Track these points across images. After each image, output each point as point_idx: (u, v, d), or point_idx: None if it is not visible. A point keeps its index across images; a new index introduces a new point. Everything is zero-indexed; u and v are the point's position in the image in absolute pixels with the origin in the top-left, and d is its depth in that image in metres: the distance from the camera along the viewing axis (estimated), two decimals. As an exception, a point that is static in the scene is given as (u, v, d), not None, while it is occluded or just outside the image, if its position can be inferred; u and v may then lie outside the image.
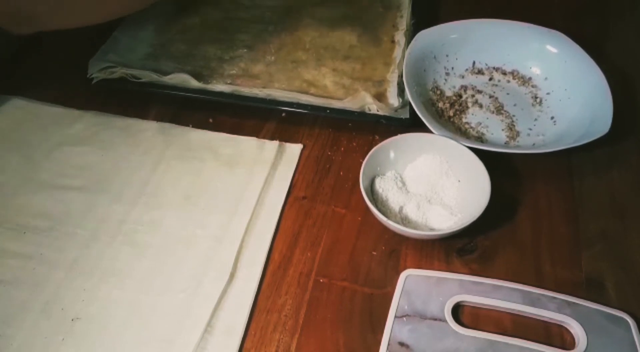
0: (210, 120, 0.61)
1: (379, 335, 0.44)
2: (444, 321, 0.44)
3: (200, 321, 0.45)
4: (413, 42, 0.64)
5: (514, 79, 0.66)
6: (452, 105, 0.62)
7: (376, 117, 0.59)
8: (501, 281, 0.47)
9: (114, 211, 0.53)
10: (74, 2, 0.53)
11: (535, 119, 0.62)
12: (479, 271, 0.49)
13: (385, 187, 0.52)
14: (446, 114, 0.62)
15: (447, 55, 0.66)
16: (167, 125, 0.61)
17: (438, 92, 0.64)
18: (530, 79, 0.65)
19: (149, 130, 0.60)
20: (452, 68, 0.66)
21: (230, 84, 0.62)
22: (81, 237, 0.51)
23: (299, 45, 0.69)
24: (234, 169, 0.56)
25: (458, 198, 0.52)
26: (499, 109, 0.62)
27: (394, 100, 0.60)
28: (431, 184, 0.53)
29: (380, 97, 0.61)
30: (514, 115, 0.62)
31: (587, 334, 0.44)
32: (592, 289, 0.48)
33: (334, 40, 0.69)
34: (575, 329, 0.44)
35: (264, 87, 0.61)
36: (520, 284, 0.47)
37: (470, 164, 0.52)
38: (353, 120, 0.61)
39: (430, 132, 0.55)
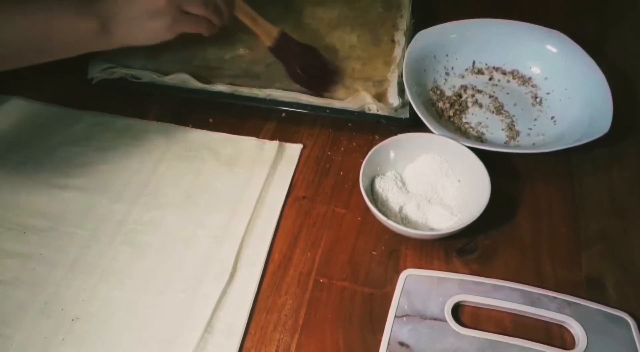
0: (210, 120, 0.61)
1: (379, 335, 0.44)
2: (444, 320, 0.44)
3: (200, 321, 0.45)
4: (413, 42, 0.64)
5: (514, 78, 0.66)
6: (452, 105, 0.62)
7: (376, 117, 0.59)
8: (501, 281, 0.47)
9: (114, 210, 0.53)
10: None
11: (535, 119, 0.62)
12: (479, 271, 0.49)
13: (385, 187, 0.52)
14: (446, 114, 0.62)
15: (447, 55, 0.66)
16: (167, 125, 0.61)
17: (438, 92, 0.64)
18: (530, 78, 0.65)
19: (149, 130, 0.60)
20: (452, 68, 0.66)
21: (230, 84, 0.62)
22: (81, 237, 0.51)
23: (299, 46, 0.69)
24: (234, 169, 0.56)
25: (458, 198, 0.52)
26: (499, 109, 0.62)
27: (394, 100, 0.60)
28: (431, 184, 0.53)
29: (380, 97, 0.61)
30: (514, 115, 0.62)
31: (587, 334, 0.44)
32: (592, 289, 0.48)
33: (334, 40, 0.69)
34: (575, 329, 0.44)
35: (264, 87, 0.61)
36: (520, 284, 0.47)
37: (470, 164, 0.52)
38: (353, 120, 0.61)
39: (430, 132, 0.55)
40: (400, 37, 0.68)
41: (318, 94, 0.60)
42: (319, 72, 0.62)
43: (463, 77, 0.66)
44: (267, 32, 0.60)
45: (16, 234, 0.51)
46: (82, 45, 0.50)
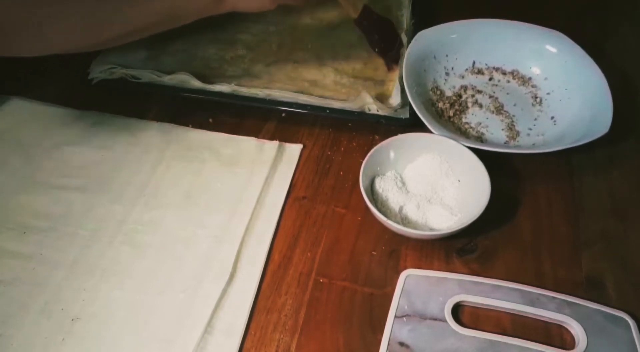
0: (210, 120, 0.61)
1: (379, 335, 0.44)
2: (444, 321, 0.44)
3: (200, 321, 0.45)
4: (413, 42, 0.64)
5: (514, 79, 0.66)
6: (452, 105, 0.62)
7: (376, 117, 0.59)
8: (501, 281, 0.47)
9: (114, 211, 0.53)
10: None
11: (535, 119, 0.62)
12: (479, 271, 0.49)
13: (385, 187, 0.52)
14: (446, 114, 0.62)
15: (447, 55, 0.66)
16: (167, 125, 0.61)
17: (438, 92, 0.64)
18: (530, 79, 0.65)
19: (149, 130, 0.60)
20: (452, 68, 0.66)
21: (230, 84, 0.62)
22: (81, 237, 0.51)
23: (299, 45, 0.69)
24: (234, 169, 0.56)
25: (458, 198, 0.52)
26: (499, 109, 0.62)
27: (394, 100, 0.60)
28: (431, 184, 0.53)
29: (381, 96, 0.61)
30: (514, 115, 0.62)
31: (587, 334, 0.44)
32: (592, 289, 0.48)
33: (335, 40, 0.69)
34: (575, 329, 0.44)
35: (264, 87, 0.61)
36: (520, 284, 0.47)
37: (470, 164, 0.52)
38: (353, 120, 0.61)
39: (430, 132, 0.55)
40: (401, 37, 0.68)
41: (389, 65, 0.65)
42: (392, 44, 0.66)
43: (463, 77, 0.66)
44: (353, 5, 0.64)
45: (16, 234, 0.51)
46: (201, 11, 0.56)
